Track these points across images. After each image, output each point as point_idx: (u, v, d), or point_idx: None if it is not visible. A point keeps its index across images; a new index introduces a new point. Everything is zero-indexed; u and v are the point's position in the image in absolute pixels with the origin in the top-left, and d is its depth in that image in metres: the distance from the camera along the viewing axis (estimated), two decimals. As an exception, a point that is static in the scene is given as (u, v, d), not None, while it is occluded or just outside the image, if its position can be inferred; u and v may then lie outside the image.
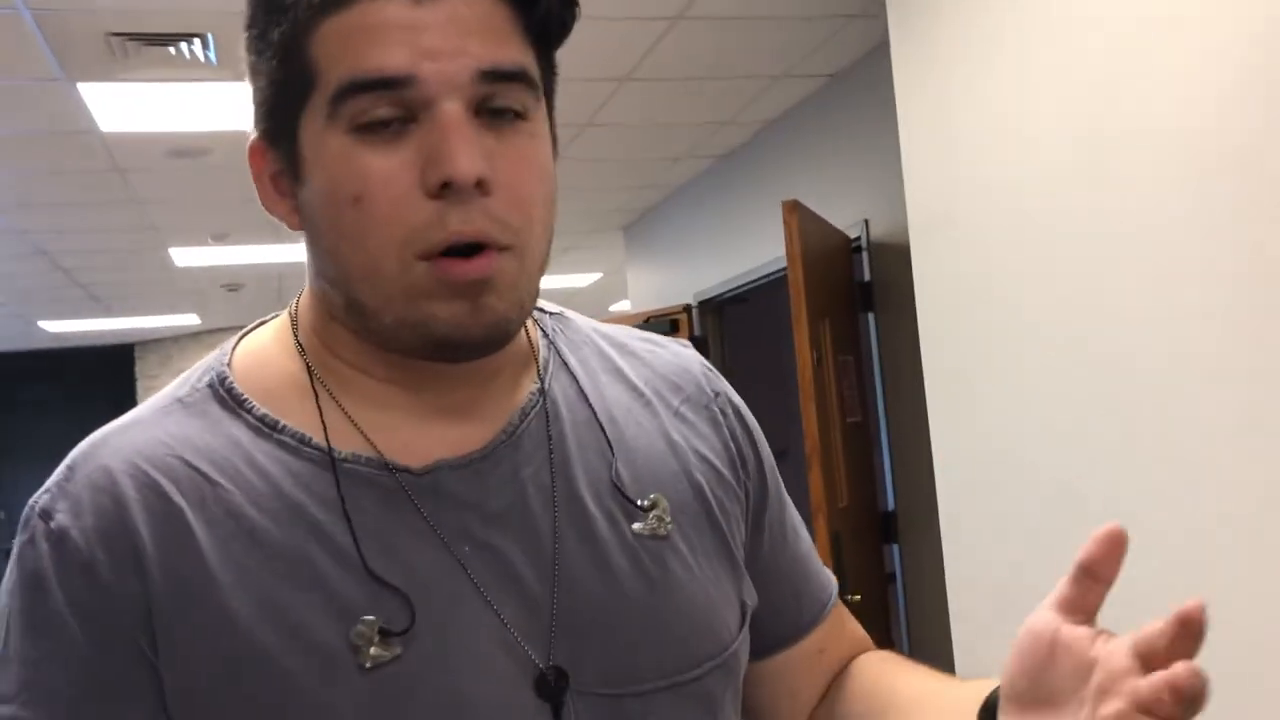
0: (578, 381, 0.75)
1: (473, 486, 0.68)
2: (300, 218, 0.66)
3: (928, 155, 2.23)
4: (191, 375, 0.72)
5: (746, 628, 0.75)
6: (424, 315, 0.63)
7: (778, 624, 0.82)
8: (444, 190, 0.61)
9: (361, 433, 0.68)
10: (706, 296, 4.80)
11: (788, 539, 0.83)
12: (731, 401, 0.83)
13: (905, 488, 3.46)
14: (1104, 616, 0.55)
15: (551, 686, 0.65)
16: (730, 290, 4.59)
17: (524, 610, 0.66)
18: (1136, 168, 1.71)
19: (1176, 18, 1.62)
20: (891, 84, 2.61)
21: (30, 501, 0.67)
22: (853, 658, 0.86)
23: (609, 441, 0.73)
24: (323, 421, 0.68)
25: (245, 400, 0.69)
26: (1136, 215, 1.72)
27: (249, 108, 0.67)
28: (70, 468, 0.67)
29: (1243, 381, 1.56)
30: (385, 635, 0.62)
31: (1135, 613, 0.58)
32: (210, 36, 2.90)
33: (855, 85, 3.56)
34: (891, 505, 3.53)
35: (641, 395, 0.78)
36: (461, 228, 0.61)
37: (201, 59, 3.02)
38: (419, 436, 0.68)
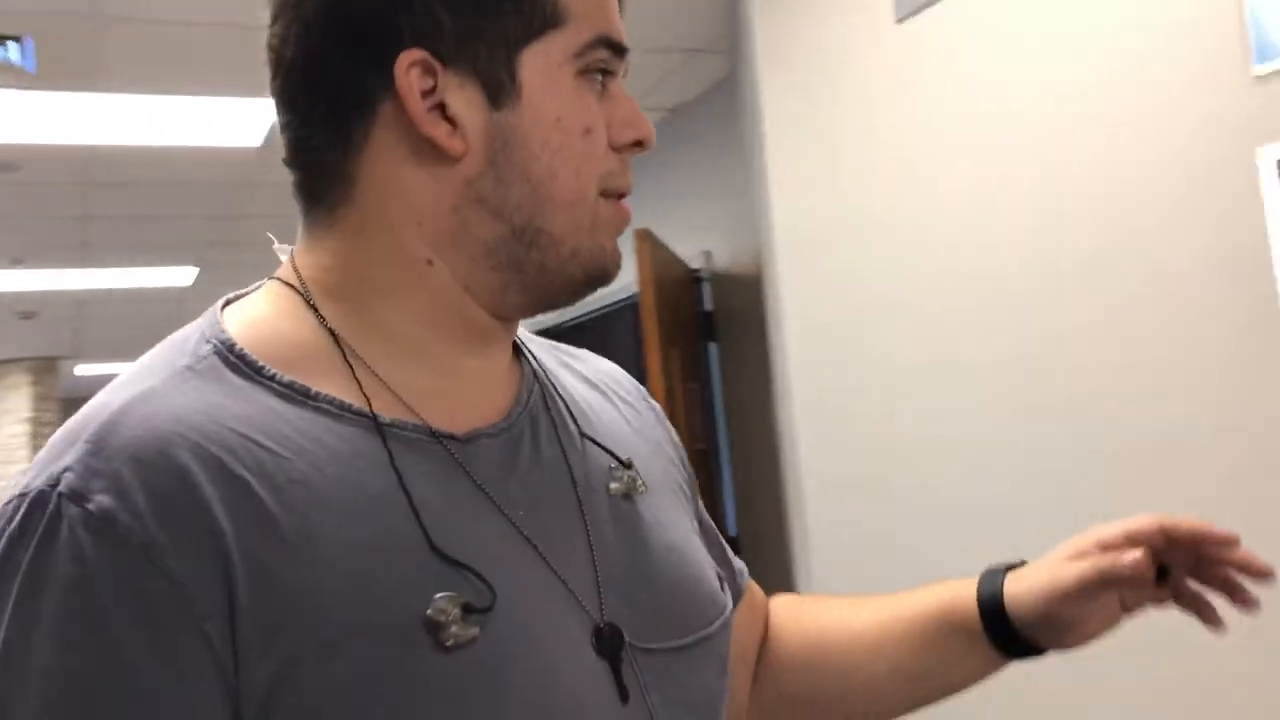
0: (543, 366, 0.78)
1: (506, 454, 0.68)
2: (477, 142, 0.66)
3: (796, 179, 2.29)
4: (185, 343, 0.65)
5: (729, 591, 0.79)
6: (598, 245, 0.70)
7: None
8: (633, 148, 0.71)
9: (401, 400, 0.65)
10: (547, 325, 4.77)
11: (708, 518, 0.90)
12: (655, 400, 0.88)
13: (747, 513, 3.52)
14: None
15: (609, 644, 0.65)
16: (571, 320, 4.59)
17: (575, 573, 0.66)
18: (1006, 192, 1.81)
19: (1047, 48, 1.73)
20: (733, 118, 2.68)
21: (32, 486, 0.57)
22: (768, 614, 0.93)
23: (588, 414, 0.77)
24: (361, 387, 0.64)
25: (264, 367, 0.64)
26: (1006, 240, 1.81)
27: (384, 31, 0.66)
28: (94, 442, 0.57)
29: (1113, 402, 1.65)
30: (468, 612, 0.59)
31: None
32: (30, 41, 2.71)
33: (696, 120, 3.64)
34: (734, 530, 3.59)
35: (596, 387, 0.81)
36: (630, 182, 0.72)
37: (17, 63, 2.82)
38: (455, 405, 0.68)
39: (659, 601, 0.70)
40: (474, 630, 0.59)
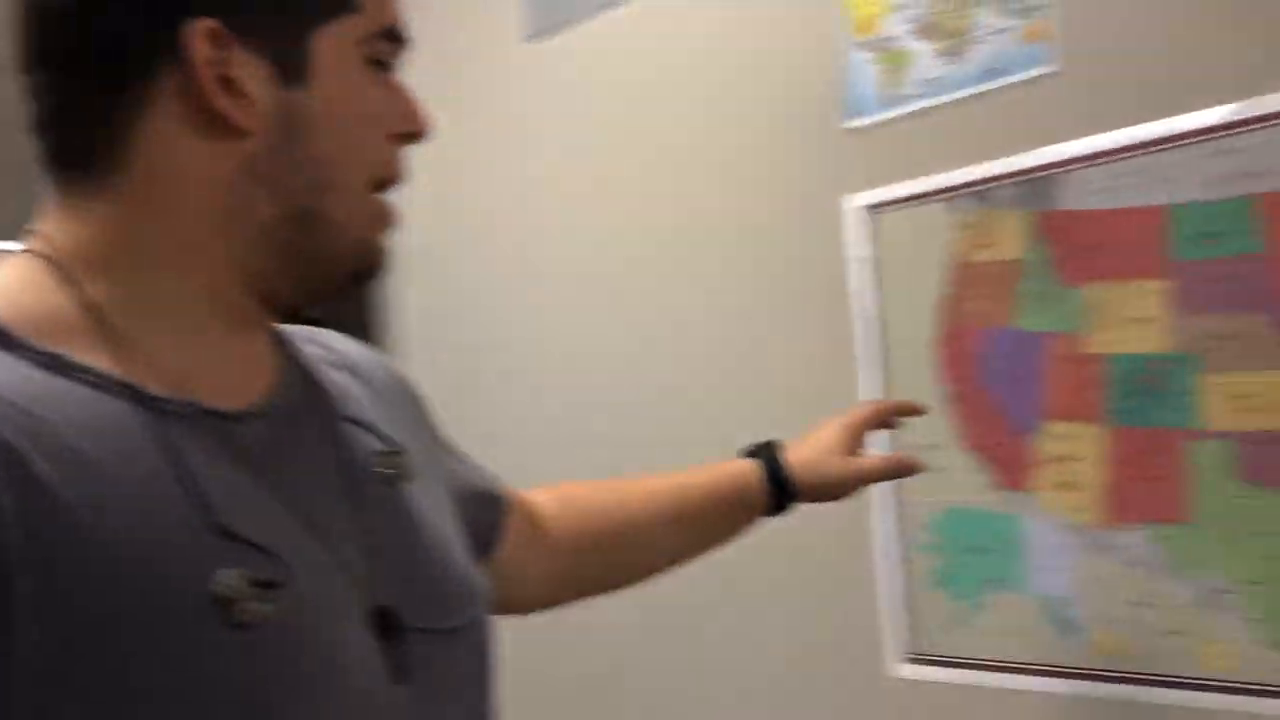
0: (298, 349, 0.77)
1: (274, 434, 0.67)
2: (264, 119, 0.64)
3: (417, 189, 2.23)
4: None
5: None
6: (371, 241, 0.71)
7: (487, 519, 0.93)
8: (409, 139, 0.72)
9: (167, 374, 0.63)
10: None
11: (459, 458, 0.94)
12: (393, 367, 0.90)
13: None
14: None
15: (386, 625, 0.66)
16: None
17: (349, 554, 0.66)
18: (617, 223, 1.86)
19: (663, 91, 1.79)
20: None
21: None
22: (529, 507, 1.02)
23: (348, 398, 0.76)
24: (125, 361, 0.62)
25: (18, 336, 0.60)
26: (617, 267, 1.86)
27: None
28: None
29: (705, 433, 1.73)
30: (259, 587, 0.58)
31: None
32: None
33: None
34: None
35: (348, 370, 0.81)
36: (404, 171, 0.72)
37: None
38: (221, 383, 0.66)
39: (429, 584, 0.71)
40: (267, 607, 0.58)
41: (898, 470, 1.11)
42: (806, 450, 1.10)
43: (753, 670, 1.67)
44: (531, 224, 1.99)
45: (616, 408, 1.86)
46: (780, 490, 1.09)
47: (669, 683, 1.78)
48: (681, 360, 1.76)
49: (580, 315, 1.92)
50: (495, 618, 0.79)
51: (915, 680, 1.49)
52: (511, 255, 2.04)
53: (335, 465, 0.70)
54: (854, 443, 1.12)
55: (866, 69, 1.51)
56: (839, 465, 1.09)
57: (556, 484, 1.10)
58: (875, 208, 1.51)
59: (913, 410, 1.20)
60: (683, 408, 1.76)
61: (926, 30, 1.45)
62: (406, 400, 0.86)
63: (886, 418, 1.17)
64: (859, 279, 1.53)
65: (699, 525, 1.08)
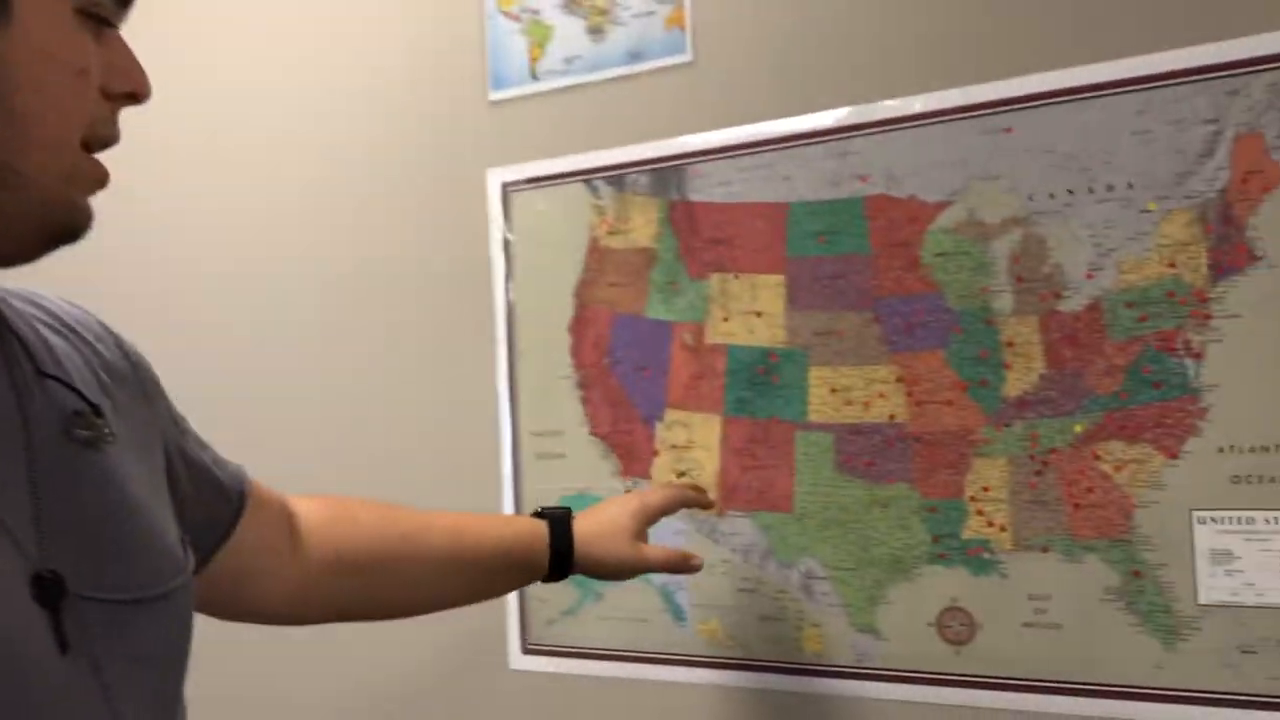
0: (6, 303, 0.73)
1: None
2: None
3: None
4: None
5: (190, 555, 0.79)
6: (71, 199, 0.66)
7: (217, 510, 0.90)
8: (126, 100, 0.68)
9: None
10: None
11: (198, 444, 0.91)
12: (124, 340, 0.86)
13: None
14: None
15: (49, 592, 0.63)
16: None
17: (13, 515, 0.63)
18: (267, 192, 1.72)
19: (303, 60, 1.67)
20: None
21: None
22: (288, 513, 0.99)
23: (50, 355, 0.72)
24: None
25: None
26: (261, 240, 1.73)
27: None
28: None
29: (352, 405, 1.64)
30: None
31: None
32: None
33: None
34: None
35: (59, 329, 0.77)
36: (118, 132, 0.69)
37: None
38: None
39: (111, 553, 0.68)
40: None
41: (679, 566, 1.15)
42: (595, 526, 1.12)
43: (380, 668, 1.60)
44: (155, 188, 1.82)
45: (240, 387, 1.73)
46: (562, 560, 1.10)
47: (300, 683, 1.67)
48: (320, 340, 1.66)
49: (209, 282, 1.77)
50: (191, 601, 0.77)
51: (532, 671, 1.46)
52: (137, 224, 1.85)
53: (17, 420, 0.66)
54: (643, 527, 1.14)
55: (512, 40, 1.46)
56: (625, 549, 1.12)
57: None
58: (517, 184, 1.47)
59: (705, 504, 1.27)
60: (320, 389, 1.66)
61: (571, 5, 1.41)
62: (131, 372, 0.82)
63: (678, 507, 1.21)
64: (499, 257, 1.48)
65: (477, 574, 1.08)
